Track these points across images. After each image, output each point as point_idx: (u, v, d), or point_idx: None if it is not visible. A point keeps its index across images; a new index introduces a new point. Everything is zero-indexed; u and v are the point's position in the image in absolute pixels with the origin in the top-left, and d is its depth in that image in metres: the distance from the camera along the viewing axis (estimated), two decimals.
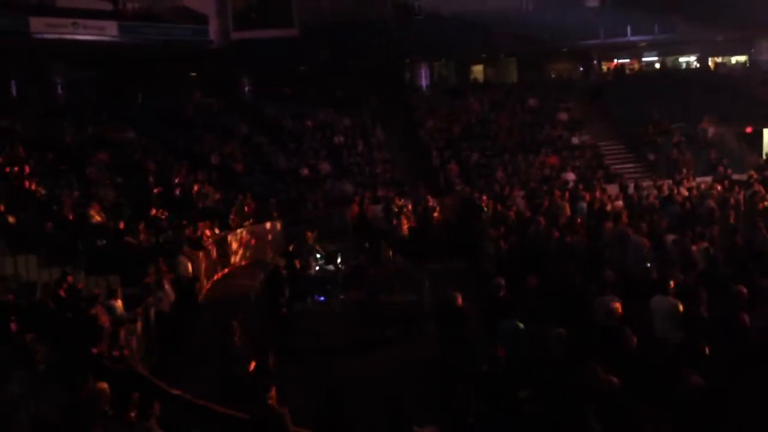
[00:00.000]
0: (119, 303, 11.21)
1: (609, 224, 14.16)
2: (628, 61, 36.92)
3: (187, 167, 22.52)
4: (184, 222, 17.35)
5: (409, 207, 20.27)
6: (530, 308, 9.43)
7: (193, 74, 31.92)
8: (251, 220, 20.03)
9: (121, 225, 15.84)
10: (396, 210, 19.33)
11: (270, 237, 20.08)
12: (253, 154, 25.93)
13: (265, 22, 32.56)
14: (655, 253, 12.23)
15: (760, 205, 14.99)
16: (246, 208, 20.35)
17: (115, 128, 24.20)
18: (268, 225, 20.29)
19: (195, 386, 8.42)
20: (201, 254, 16.09)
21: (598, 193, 18.78)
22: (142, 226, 15.94)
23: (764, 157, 26.13)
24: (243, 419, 6.29)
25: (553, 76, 35.53)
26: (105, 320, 10.00)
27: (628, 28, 32.44)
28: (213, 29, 31.48)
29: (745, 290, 8.39)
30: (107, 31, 26.44)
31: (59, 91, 28.00)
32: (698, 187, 18.70)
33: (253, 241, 19.52)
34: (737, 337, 8.01)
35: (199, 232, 17.01)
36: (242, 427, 6.30)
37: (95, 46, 26.66)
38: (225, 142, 25.84)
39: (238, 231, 19.26)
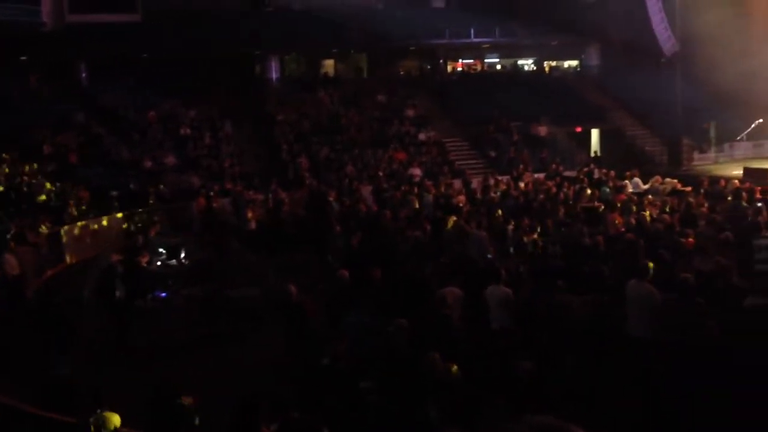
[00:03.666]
0: None
1: (452, 218, 14.70)
2: (472, 61, 38.48)
3: (16, 157, 20.92)
4: (14, 217, 16.14)
5: (258, 200, 20.02)
6: (375, 301, 9.58)
7: (24, 58, 29.64)
8: (90, 215, 18.94)
9: None
10: (244, 203, 19.01)
11: (109, 232, 19.07)
12: (91, 144, 24.52)
13: (104, 5, 30.82)
14: (495, 245, 12.85)
15: (585, 200, 16.16)
16: (82, 202, 19.22)
17: None
18: (107, 220, 19.27)
19: (17, 388, 7.85)
20: (30, 251, 15.01)
21: (443, 188, 19.46)
22: None
23: (592, 155, 28.21)
24: (63, 422, 5.93)
25: (401, 73, 36.36)
26: None
27: (472, 31, 33.85)
28: (45, 10, 29.42)
29: (562, 279, 8.98)
30: None
31: None
32: (533, 182, 19.86)
33: (88, 237, 18.45)
34: (563, 323, 8.59)
35: (28, 228, 15.85)
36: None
37: None
38: (59, 132, 24.23)
39: (74, 226, 18.14)
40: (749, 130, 26.56)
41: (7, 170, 19.46)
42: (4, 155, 20.71)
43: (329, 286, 10.33)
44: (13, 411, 6.97)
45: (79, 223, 18.29)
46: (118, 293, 10.55)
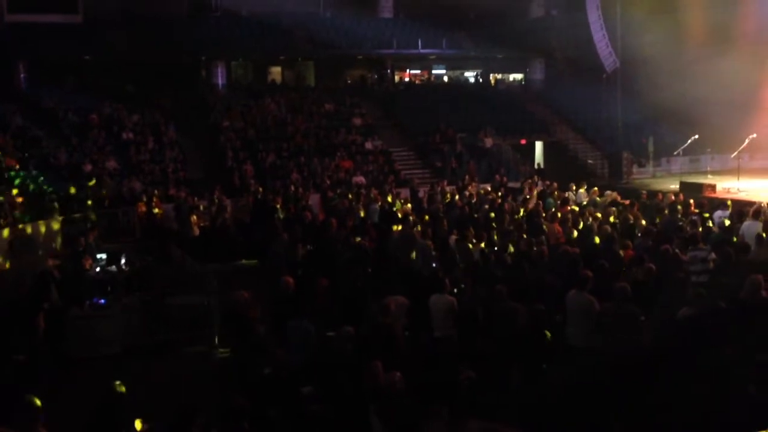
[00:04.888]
0: None
1: (398, 227, 14.77)
2: (419, 72, 38.83)
3: None
4: None
5: (202, 207, 19.76)
6: (319, 309, 9.55)
7: None
8: (26, 219, 18.32)
9: None
10: (187, 209, 18.73)
11: (45, 237, 18.49)
12: (28, 147, 23.79)
13: (44, 5, 30.03)
14: (440, 254, 12.95)
15: (528, 209, 16.44)
16: (16, 206, 18.58)
17: None
18: (44, 224, 18.68)
19: None
20: None
21: (390, 197, 19.54)
22: None
23: (535, 167, 28.73)
24: None
25: (349, 82, 36.42)
26: None
27: (419, 42, 34.17)
28: None
29: (505, 288, 9.11)
30: None
31: None
32: (478, 193, 20.12)
33: (24, 241, 17.82)
34: (507, 331, 8.71)
35: None
36: None
37: None
38: None
39: (11, 228, 17.51)
40: (685, 145, 27.46)
41: None
42: None
43: (273, 294, 10.24)
44: None
45: (11, 228, 17.67)
46: (52, 300, 10.22)
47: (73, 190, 20.80)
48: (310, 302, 9.58)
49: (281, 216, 17.45)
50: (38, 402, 5.97)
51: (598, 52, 31.69)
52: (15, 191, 19.03)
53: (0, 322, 10.37)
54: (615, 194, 18.89)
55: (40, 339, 9.82)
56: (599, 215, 15.34)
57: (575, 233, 13.86)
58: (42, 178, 20.94)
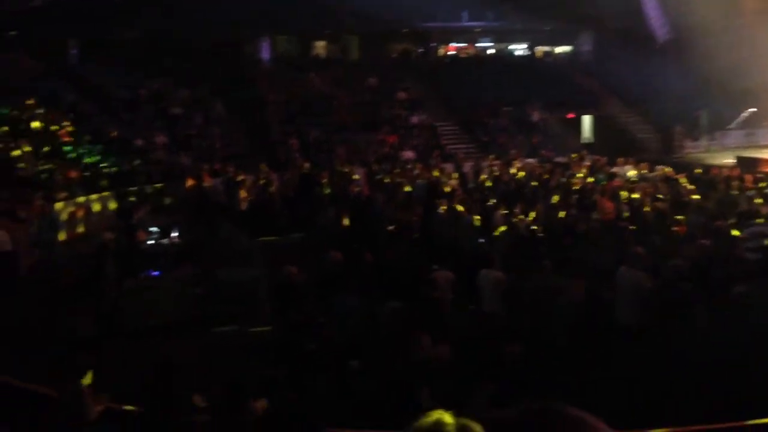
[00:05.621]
0: None
1: (443, 202, 14.72)
2: (464, 45, 38.35)
3: (6, 133, 20.70)
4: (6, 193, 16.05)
5: (248, 181, 19.95)
6: (365, 284, 9.61)
7: (13, 33, 29.29)
8: (80, 193, 18.80)
9: None
10: (235, 183, 18.95)
11: (100, 210, 18.96)
12: (80, 122, 24.30)
13: None
14: (485, 230, 12.88)
15: (576, 187, 16.19)
16: (73, 180, 19.07)
17: None
18: (98, 198, 19.14)
19: (11, 366, 7.84)
20: (22, 227, 14.90)
21: (435, 172, 19.46)
22: None
23: (583, 141, 28.27)
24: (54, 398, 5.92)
25: (393, 55, 36.19)
26: None
27: (464, 14, 33.69)
28: None
29: (551, 264, 9.03)
30: None
31: None
32: (524, 167, 19.89)
33: (80, 214, 18.33)
34: (552, 307, 8.65)
35: (19, 204, 15.75)
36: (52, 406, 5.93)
37: None
38: (48, 109, 23.97)
39: (66, 203, 18.01)
40: (741, 118, 26.63)
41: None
42: None
43: (319, 268, 10.33)
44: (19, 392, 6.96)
45: (70, 201, 18.16)
46: (109, 271, 10.48)
47: (125, 165, 21.23)
48: (355, 277, 9.64)
49: (327, 191, 17.53)
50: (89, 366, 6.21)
51: (650, 22, 30.81)
52: (70, 167, 19.51)
53: (62, 291, 10.72)
54: (667, 169, 18.47)
55: (102, 309, 10.10)
56: (650, 190, 15.03)
57: (625, 209, 13.62)
58: (96, 154, 21.43)
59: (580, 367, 7.91)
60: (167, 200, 19.18)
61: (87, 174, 19.91)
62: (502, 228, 12.60)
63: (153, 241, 13.59)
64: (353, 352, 8.18)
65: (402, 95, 29.81)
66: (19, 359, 8.87)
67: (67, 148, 21.23)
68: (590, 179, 17.12)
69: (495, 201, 14.84)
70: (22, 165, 18.63)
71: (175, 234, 13.93)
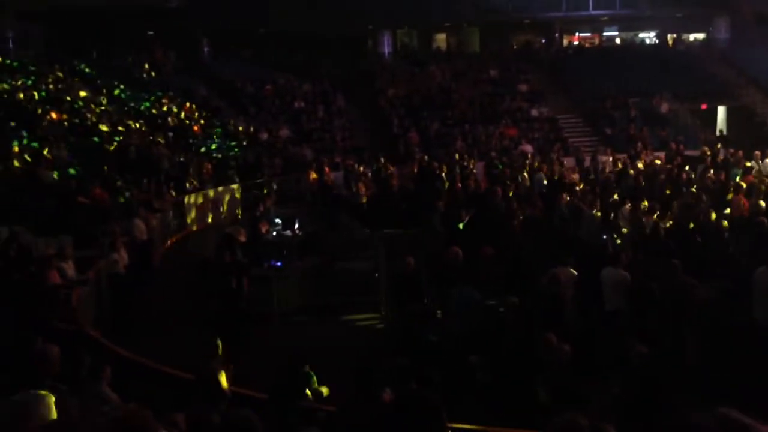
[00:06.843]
0: (71, 265, 10.97)
1: (564, 196, 14.35)
2: (589, 35, 37.17)
3: (143, 128, 22.05)
4: (144, 183, 17.09)
5: (368, 174, 20.25)
6: (484, 278, 9.54)
7: (151, 33, 31.16)
8: (209, 185, 19.76)
9: (74, 184, 15.48)
10: (355, 176, 19.29)
11: (227, 201, 19.85)
12: (211, 116, 25.53)
13: None
14: (608, 226, 12.47)
15: (709, 182, 15.34)
16: (204, 172, 20.07)
17: (68, 86, 23.49)
18: (225, 189, 20.04)
19: (148, 349, 8.35)
20: (156, 217, 15.84)
21: (555, 166, 19.01)
22: (97, 187, 15.60)
23: (717, 134, 26.72)
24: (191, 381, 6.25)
25: (514, 47, 35.61)
26: (56, 282, 9.82)
27: (590, 2, 32.65)
28: None
29: (679, 263, 8.61)
30: None
31: (10, 45, 27.07)
32: (652, 162, 19.06)
33: (209, 205, 19.27)
34: (684, 308, 8.27)
35: (154, 195, 16.74)
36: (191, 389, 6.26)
37: None
38: (182, 104, 25.35)
39: (196, 194, 18.98)
40: None
41: (137, 141, 20.50)
42: (134, 125, 21.85)
43: (439, 262, 10.35)
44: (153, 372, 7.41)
45: (200, 192, 19.11)
46: (238, 260, 10.94)
47: (251, 158, 22.10)
48: (474, 271, 9.59)
49: (445, 184, 17.50)
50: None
51: None
52: (203, 159, 20.52)
53: (193, 279, 11.29)
54: None
55: (232, 296, 10.58)
56: None
57: (763, 205, 12.77)
58: (224, 147, 22.45)
59: (715, 368, 7.53)
60: (289, 192, 19.77)
61: (217, 167, 20.85)
62: (626, 224, 12.15)
63: (276, 233, 14.05)
64: (471, 345, 8.15)
65: (523, 87, 29.31)
66: (158, 342, 9.45)
67: (198, 142, 22.34)
68: (725, 174, 16.17)
69: (619, 196, 14.31)
70: (160, 156, 19.75)
71: (297, 225, 14.35)
